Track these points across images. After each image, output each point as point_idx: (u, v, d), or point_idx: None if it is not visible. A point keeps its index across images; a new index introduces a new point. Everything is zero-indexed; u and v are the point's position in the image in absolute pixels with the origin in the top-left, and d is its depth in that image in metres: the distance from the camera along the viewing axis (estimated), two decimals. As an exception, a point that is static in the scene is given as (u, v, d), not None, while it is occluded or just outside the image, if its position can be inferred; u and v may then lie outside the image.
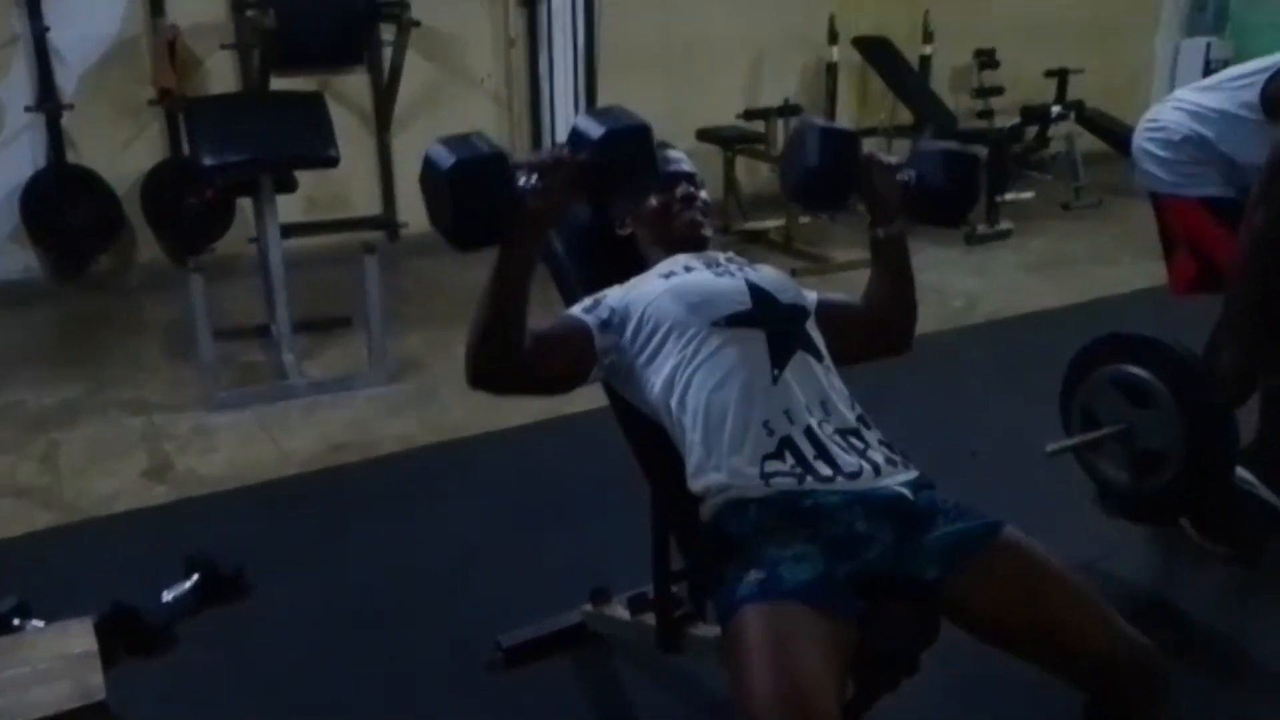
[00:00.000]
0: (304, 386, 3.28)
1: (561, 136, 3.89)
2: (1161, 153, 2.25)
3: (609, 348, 1.50)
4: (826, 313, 1.61)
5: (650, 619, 1.76)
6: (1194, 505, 2.19)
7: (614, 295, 1.54)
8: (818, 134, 1.57)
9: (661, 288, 1.52)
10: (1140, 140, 2.30)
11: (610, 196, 1.44)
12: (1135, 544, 2.39)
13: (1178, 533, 2.36)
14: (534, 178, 1.33)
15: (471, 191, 1.29)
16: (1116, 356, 2.14)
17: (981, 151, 1.71)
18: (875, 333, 1.65)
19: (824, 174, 1.59)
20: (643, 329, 1.49)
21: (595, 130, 1.35)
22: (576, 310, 1.53)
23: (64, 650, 1.57)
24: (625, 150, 1.36)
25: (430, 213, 1.34)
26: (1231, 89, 2.16)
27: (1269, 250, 2.01)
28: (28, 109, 4.10)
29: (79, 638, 1.60)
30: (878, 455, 1.44)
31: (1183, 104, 2.24)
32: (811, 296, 1.62)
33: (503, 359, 1.38)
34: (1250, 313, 2.06)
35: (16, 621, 2.00)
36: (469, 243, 1.33)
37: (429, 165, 1.31)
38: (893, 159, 1.63)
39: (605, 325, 1.50)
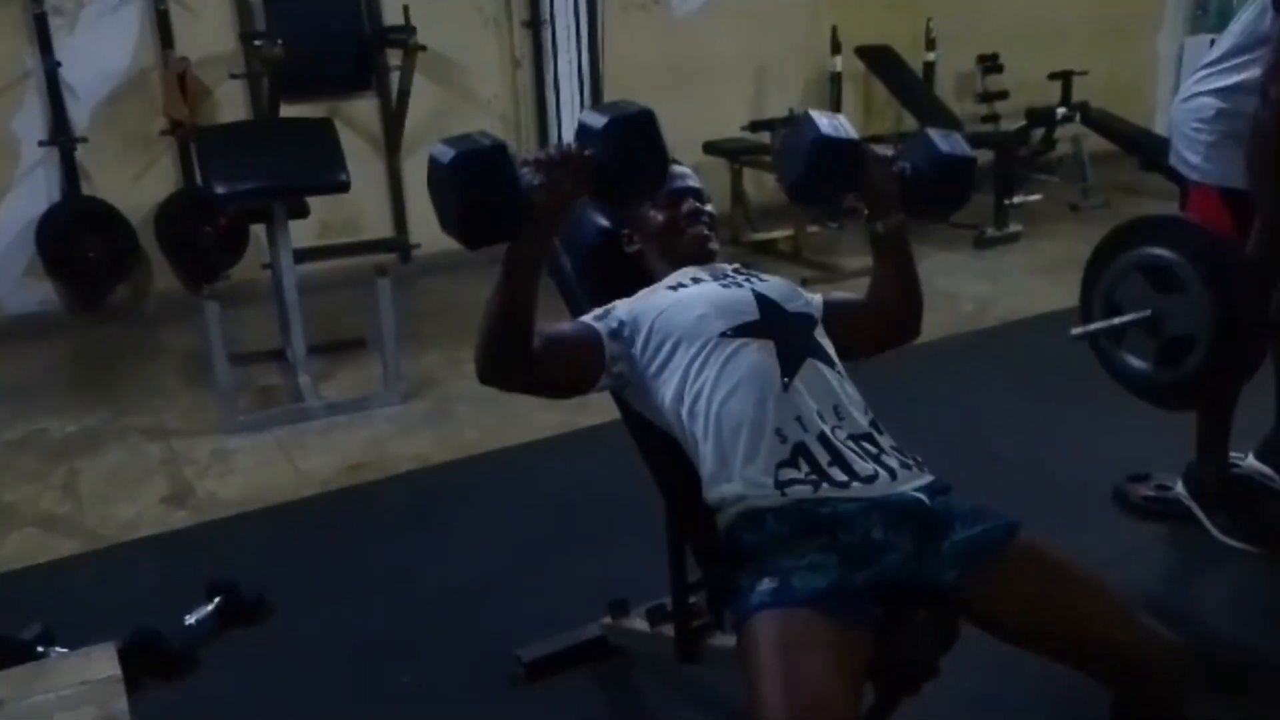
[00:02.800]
0: (320, 408, 3.30)
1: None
2: (1194, 133, 2.17)
3: (618, 356, 1.50)
4: (835, 311, 1.61)
5: (669, 630, 1.76)
6: (1223, 389, 2.11)
7: (623, 307, 1.55)
8: (810, 144, 1.54)
9: (670, 300, 1.53)
10: (1177, 121, 2.22)
11: (620, 188, 1.41)
12: (1155, 544, 2.38)
13: (1198, 531, 2.35)
14: (540, 174, 1.32)
15: (475, 183, 1.28)
16: (1140, 241, 2.02)
17: (968, 148, 1.67)
18: (885, 325, 1.65)
19: (821, 180, 1.58)
20: (651, 340, 1.50)
21: (599, 121, 1.35)
22: (587, 318, 1.54)
23: (88, 676, 1.57)
24: (630, 137, 1.36)
25: (439, 214, 1.33)
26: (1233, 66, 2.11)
27: None
28: (41, 143, 4.14)
29: (102, 663, 1.61)
30: (892, 460, 1.44)
31: (1209, 82, 2.15)
32: (817, 300, 1.63)
33: (511, 355, 1.38)
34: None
35: (40, 649, 2.01)
36: (477, 237, 1.31)
37: (433, 163, 1.31)
38: (888, 151, 1.63)
39: (615, 334, 1.51)
